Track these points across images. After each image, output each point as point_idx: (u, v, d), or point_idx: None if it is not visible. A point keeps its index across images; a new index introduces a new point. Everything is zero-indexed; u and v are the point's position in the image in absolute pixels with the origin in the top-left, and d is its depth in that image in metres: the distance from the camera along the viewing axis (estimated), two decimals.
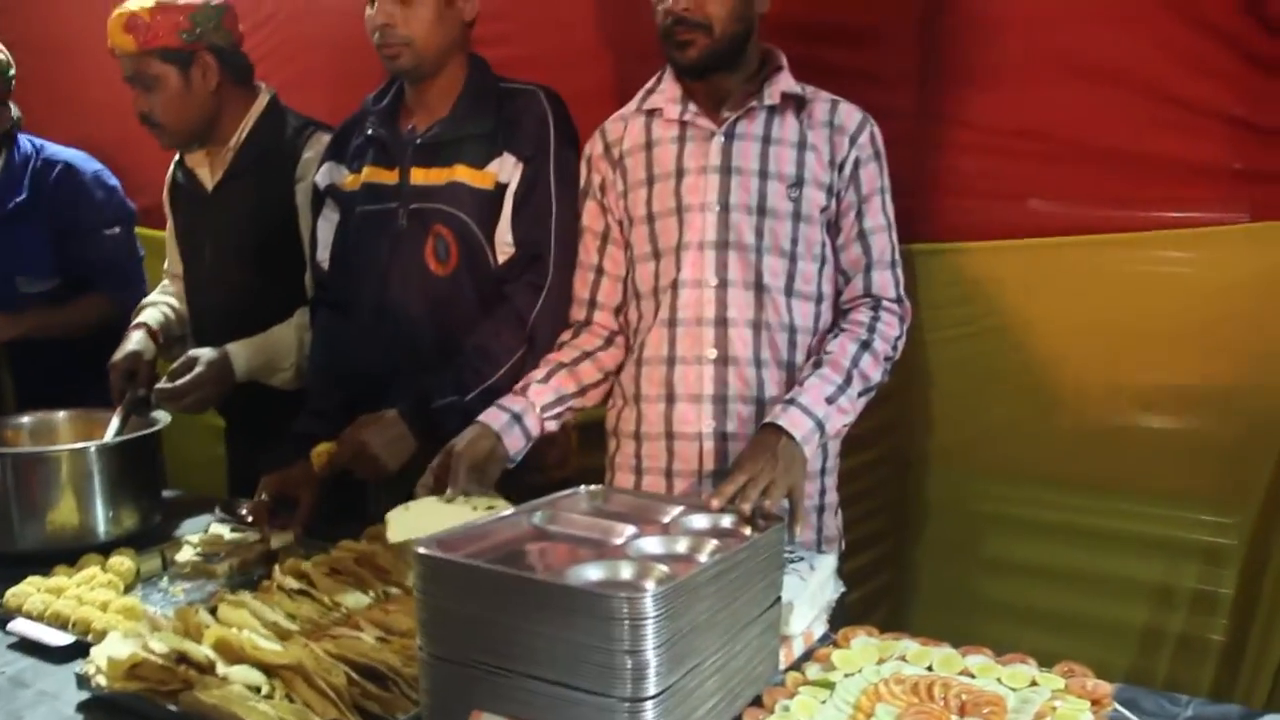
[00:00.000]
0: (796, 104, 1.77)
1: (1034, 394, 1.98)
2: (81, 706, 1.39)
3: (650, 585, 1.13)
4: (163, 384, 2.13)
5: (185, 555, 1.96)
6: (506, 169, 1.93)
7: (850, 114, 1.78)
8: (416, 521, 1.57)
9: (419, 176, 1.98)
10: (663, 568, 1.17)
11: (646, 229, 1.80)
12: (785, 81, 1.77)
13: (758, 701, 1.27)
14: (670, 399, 1.77)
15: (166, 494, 2.22)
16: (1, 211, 2.79)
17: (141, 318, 2.45)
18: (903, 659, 1.39)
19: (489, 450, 1.71)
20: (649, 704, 1.07)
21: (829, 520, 1.83)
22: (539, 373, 1.83)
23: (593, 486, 1.48)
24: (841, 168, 1.75)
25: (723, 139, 1.75)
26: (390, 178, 2.00)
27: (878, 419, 2.01)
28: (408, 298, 1.99)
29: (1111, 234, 1.90)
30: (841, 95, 1.79)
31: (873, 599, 2.11)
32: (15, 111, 2.82)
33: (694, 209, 1.75)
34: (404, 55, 1.90)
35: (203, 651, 1.29)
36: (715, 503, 1.41)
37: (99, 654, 1.38)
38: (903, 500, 2.12)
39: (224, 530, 2.05)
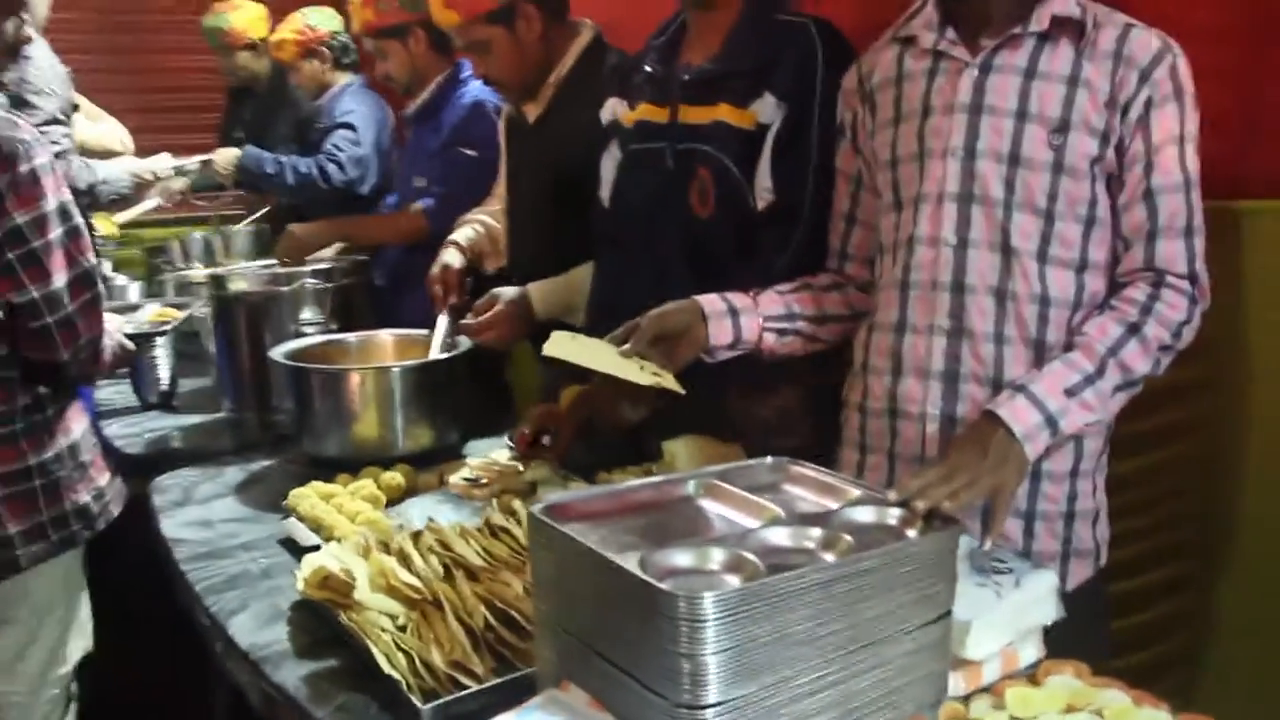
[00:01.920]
0: (1075, 30, 1.45)
1: None
2: (294, 606, 1.54)
3: (727, 582, 1.02)
4: (467, 320, 2.29)
5: (458, 476, 2.10)
6: (768, 109, 1.81)
7: (1145, 42, 1.42)
8: (578, 350, 1.56)
9: (687, 115, 1.92)
10: (759, 564, 1.05)
11: (890, 175, 1.59)
12: (1061, 2, 1.45)
13: None
14: (897, 372, 1.57)
15: None
16: (417, 116, 3.14)
17: (454, 236, 2.58)
18: (1098, 714, 1.15)
19: (684, 326, 1.61)
20: (709, 712, 0.98)
21: (1081, 530, 1.53)
22: (780, 286, 1.72)
23: (775, 459, 1.37)
24: (1126, 110, 1.42)
25: (976, 72, 1.49)
26: (661, 115, 1.96)
27: (1174, 414, 1.66)
28: (672, 240, 1.95)
29: None
30: (1140, 19, 1.45)
31: (1163, 626, 1.75)
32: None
33: (935, 154, 1.51)
34: None
35: (360, 576, 1.38)
36: (892, 495, 1.23)
37: (309, 561, 1.52)
38: (1209, 514, 1.74)
39: (501, 456, 2.18)
